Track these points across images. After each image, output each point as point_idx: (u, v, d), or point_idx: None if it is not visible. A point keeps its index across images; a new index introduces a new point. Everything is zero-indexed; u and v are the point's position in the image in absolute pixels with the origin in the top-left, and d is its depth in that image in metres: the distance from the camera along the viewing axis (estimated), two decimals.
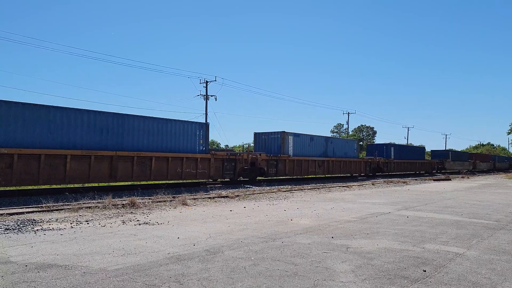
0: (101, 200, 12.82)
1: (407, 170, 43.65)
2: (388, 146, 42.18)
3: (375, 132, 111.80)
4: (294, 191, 19.21)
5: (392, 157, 40.74)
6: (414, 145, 67.92)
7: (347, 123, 75.86)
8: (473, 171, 57.06)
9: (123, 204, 11.96)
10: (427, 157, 56.30)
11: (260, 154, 24.14)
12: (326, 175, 31.53)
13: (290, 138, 26.99)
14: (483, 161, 67.06)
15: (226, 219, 9.97)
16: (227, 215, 10.60)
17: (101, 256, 5.98)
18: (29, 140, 14.26)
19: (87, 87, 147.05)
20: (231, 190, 18.49)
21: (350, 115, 75.51)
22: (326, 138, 31.73)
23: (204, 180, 21.52)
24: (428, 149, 65.86)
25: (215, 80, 45.34)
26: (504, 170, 76.91)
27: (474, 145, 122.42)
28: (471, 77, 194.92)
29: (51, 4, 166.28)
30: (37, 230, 8.04)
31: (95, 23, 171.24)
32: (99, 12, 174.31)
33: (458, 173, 51.87)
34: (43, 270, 5.18)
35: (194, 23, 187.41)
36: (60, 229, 8.16)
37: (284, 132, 26.40)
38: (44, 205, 11.40)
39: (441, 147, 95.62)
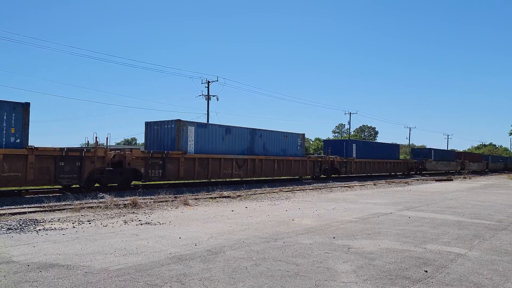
0: (103, 200, 12.85)
1: (374, 171, 36.75)
2: (348, 142, 35.44)
3: (376, 132, 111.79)
4: (295, 191, 19.22)
5: (354, 155, 33.94)
6: (417, 145, 67.31)
7: (349, 123, 76.08)
8: (461, 172, 48.91)
9: (125, 204, 11.98)
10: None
11: (131, 150, 18.26)
12: (251, 178, 24.23)
13: (191, 129, 20.36)
14: (473, 161, 59.92)
15: (228, 219, 9.97)
16: (228, 215, 10.61)
17: (103, 256, 5.99)
18: None
19: (87, 87, 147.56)
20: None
21: (352, 115, 75.58)
22: (252, 130, 24.06)
23: (21, 189, 15.60)
24: None
25: (217, 80, 45.31)
26: (499, 171, 69.71)
27: (476, 146, 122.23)
28: (471, 77, 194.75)
29: (51, 4, 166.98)
30: (39, 229, 8.06)
31: (95, 23, 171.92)
32: (99, 12, 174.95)
33: (444, 174, 46.15)
34: (45, 270, 5.19)
35: (194, 23, 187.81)
36: (62, 229, 8.18)
37: (179, 120, 19.91)
38: (46, 204, 11.43)
39: (443, 147, 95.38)
